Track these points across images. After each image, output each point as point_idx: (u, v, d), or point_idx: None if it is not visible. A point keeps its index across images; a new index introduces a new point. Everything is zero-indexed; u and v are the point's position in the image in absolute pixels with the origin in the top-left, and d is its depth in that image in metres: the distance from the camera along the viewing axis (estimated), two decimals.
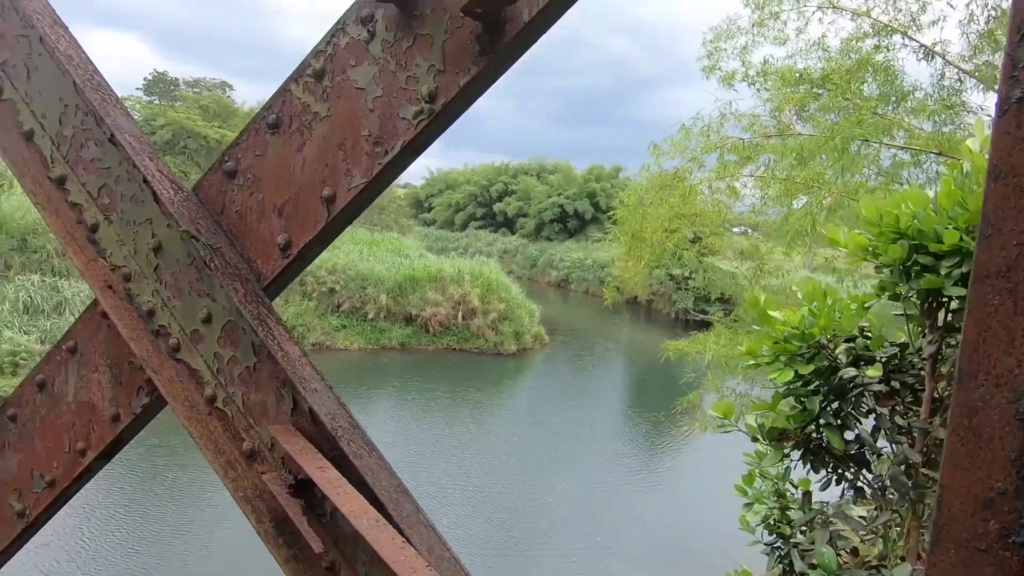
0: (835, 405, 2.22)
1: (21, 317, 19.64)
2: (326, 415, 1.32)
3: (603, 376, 29.37)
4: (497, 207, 59.59)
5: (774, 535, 2.71)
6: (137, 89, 37.22)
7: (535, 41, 1.26)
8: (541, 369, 29.16)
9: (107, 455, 1.66)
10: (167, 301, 1.47)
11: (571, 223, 55.39)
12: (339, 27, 1.33)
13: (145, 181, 1.46)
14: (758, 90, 9.79)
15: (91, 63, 1.53)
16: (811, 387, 2.21)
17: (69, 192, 1.53)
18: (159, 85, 37.44)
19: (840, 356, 2.10)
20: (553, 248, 52.47)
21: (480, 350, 27.63)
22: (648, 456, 19.33)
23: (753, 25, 10.00)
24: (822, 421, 2.14)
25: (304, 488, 1.31)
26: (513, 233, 57.90)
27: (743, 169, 9.60)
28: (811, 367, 2.03)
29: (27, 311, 20.00)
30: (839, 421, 2.14)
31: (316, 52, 1.35)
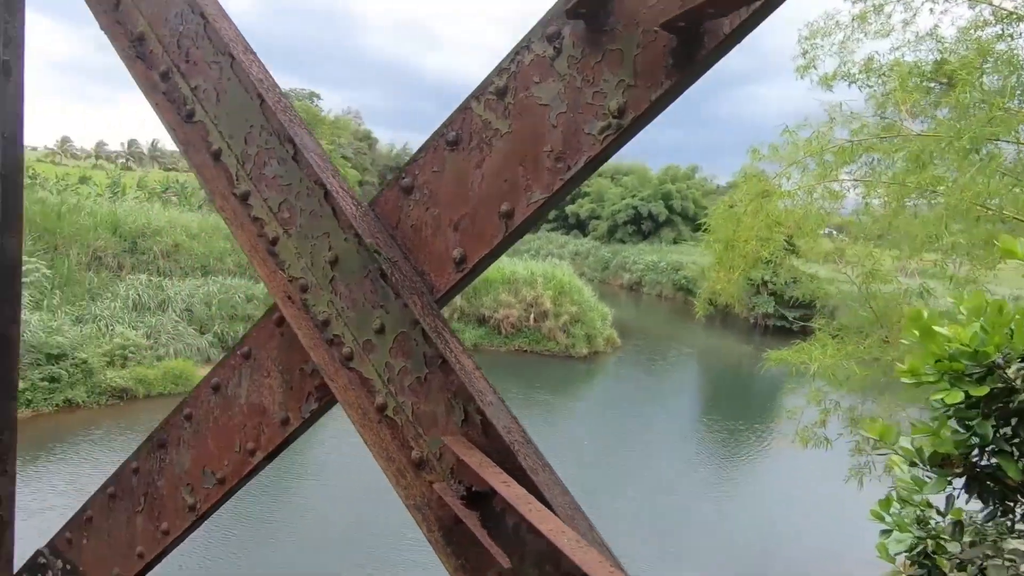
0: (1005, 430, 2.03)
1: (131, 313, 21.33)
2: (502, 428, 1.33)
3: (677, 382, 28.62)
4: (570, 209, 59.36)
5: (916, 564, 2.52)
6: None
7: (729, 52, 1.22)
8: (613, 373, 28.77)
9: (272, 456, 1.75)
10: (341, 312, 1.52)
11: (645, 225, 54.43)
12: (523, 45, 1.34)
13: (326, 196, 1.52)
14: (860, 88, 9.21)
15: (278, 87, 1.62)
16: (975, 410, 2.03)
17: (252, 207, 1.62)
18: None
19: (1017, 378, 1.92)
20: (626, 250, 51.71)
21: (552, 352, 27.60)
22: (725, 466, 18.62)
23: (853, 19, 9.42)
24: (993, 447, 1.96)
25: (478, 500, 1.32)
26: (585, 235, 57.50)
27: (841, 171, 9.06)
28: (985, 388, 1.86)
29: (135, 308, 21.70)
30: (1014, 448, 1.96)
31: (499, 70, 1.37)
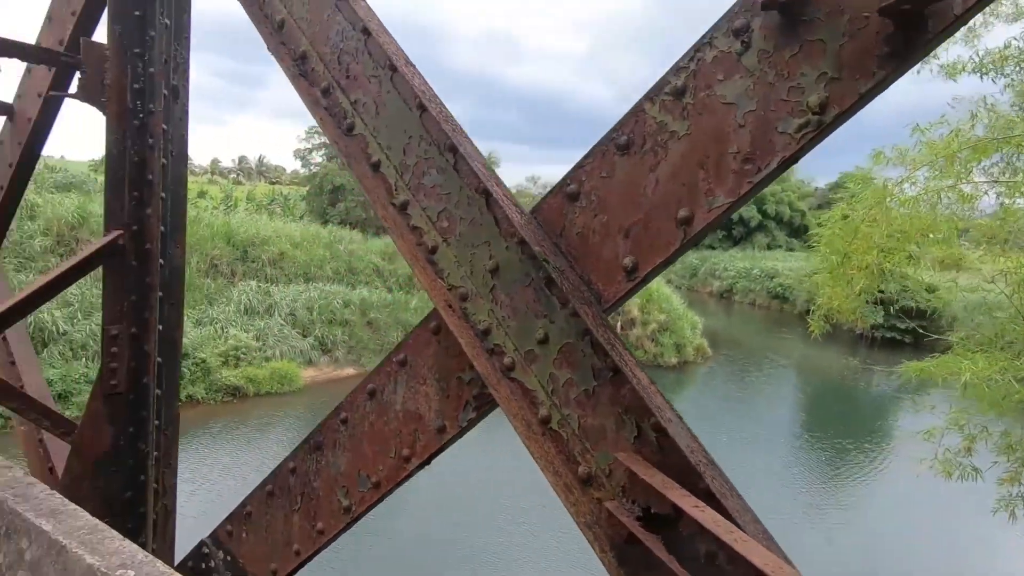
0: None
1: (242, 317, 23.00)
2: (685, 447, 1.25)
3: (773, 395, 27.10)
4: None
5: None
6: None
7: (952, 35, 1.09)
8: (704, 384, 27.70)
9: (427, 463, 1.76)
10: (502, 321, 1.51)
11: (736, 230, 52.25)
12: (704, 41, 1.27)
13: (488, 205, 1.51)
14: (993, 79, 8.30)
15: (438, 97, 1.64)
16: None
17: (411, 217, 1.65)
18: None
19: None
20: (716, 257, 49.80)
21: (639, 361, 26.91)
22: (832, 489, 17.33)
23: None
24: None
25: (658, 522, 1.25)
26: None
27: (973, 170, 8.16)
28: None
29: (246, 312, 23.38)
30: None
31: (676, 69, 1.30)
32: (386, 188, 1.68)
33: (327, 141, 39.85)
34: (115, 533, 1.95)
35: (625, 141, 1.37)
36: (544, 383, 1.44)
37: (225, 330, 21.73)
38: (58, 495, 2.18)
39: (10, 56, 2.34)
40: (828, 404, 26.26)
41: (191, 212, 27.84)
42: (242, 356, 21.20)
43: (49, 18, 2.93)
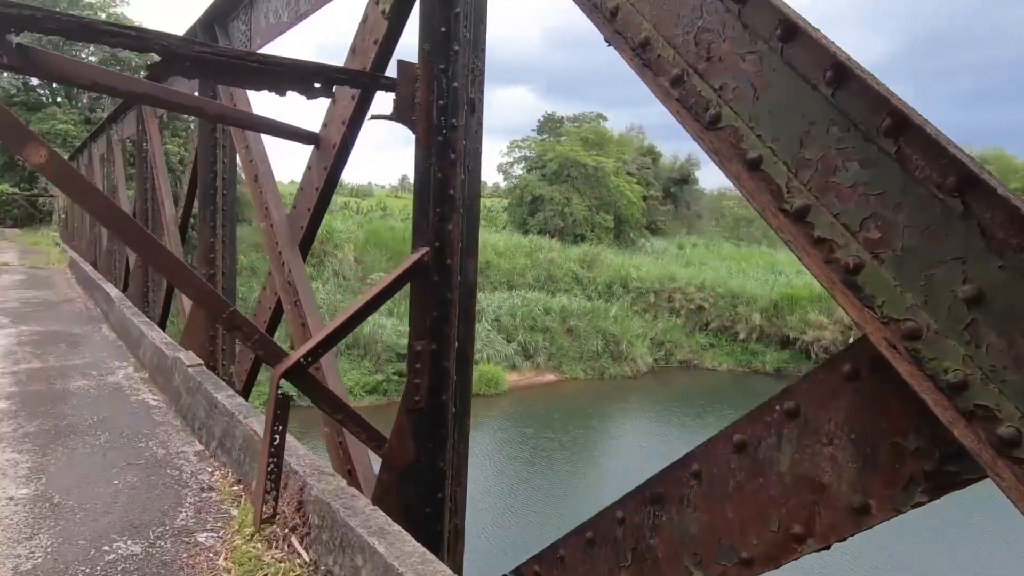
0: None
1: None
2: None
3: None
4: None
5: None
6: (532, 130, 44.06)
7: None
8: None
9: (828, 546, 1.36)
10: (992, 373, 1.04)
11: None
12: None
13: (967, 207, 1.07)
14: None
15: (861, 64, 1.24)
16: None
17: (813, 226, 1.27)
18: (548, 125, 43.51)
19: None
20: None
21: None
22: None
23: None
24: None
25: None
26: None
27: None
28: None
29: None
30: None
31: None
32: (771, 191, 1.33)
33: (527, 155, 41.27)
34: (443, 567, 1.86)
35: None
36: None
37: None
38: (380, 512, 2.20)
39: (343, 84, 2.48)
40: None
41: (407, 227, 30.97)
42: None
43: (353, 49, 3.14)
